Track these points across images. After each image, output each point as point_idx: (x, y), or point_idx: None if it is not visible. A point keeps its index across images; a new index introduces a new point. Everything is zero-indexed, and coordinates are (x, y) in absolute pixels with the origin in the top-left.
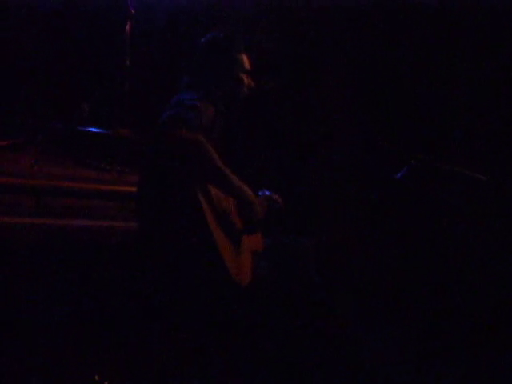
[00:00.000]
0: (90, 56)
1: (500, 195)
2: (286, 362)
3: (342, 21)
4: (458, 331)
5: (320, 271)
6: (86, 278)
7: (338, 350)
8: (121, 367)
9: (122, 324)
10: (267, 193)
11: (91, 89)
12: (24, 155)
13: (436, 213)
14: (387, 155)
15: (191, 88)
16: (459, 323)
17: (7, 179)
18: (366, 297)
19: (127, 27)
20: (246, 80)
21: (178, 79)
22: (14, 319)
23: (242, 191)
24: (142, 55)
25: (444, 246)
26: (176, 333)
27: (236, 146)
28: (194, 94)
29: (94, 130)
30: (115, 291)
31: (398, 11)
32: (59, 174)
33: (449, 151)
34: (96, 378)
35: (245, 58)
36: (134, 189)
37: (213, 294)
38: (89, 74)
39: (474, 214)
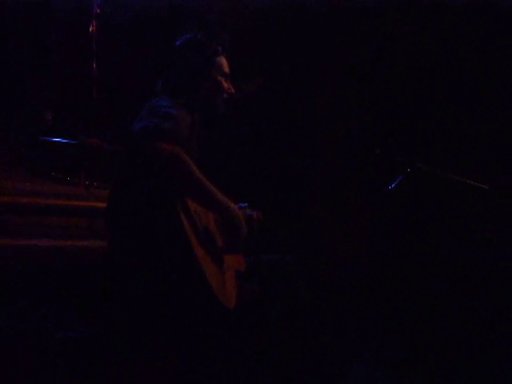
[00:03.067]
0: (54, 59)
1: (501, 204)
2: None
3: (338, 21)
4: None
5: (306, 289)
6: (47, 302)
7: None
8: None
9: (97, 351)
10: (248, 211)
11: (55, 96)
12: None
13: (432, 222)
14: (382, 163)
15: (166, 93)
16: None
17: None
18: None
19: (92, 27)
20: (224, 84)
21: (150, 83)
22: None
23: (226, 206)
24: (109, 58)
25: (441, 257)
26: (160, 358)
27: (215, 157)
28: (168, 100)
29: (58, 140)
30: (82, 316)
31: (395, 11)
32: (20, 188)
33: (447, 158)
34: None
35: (224, 61)
36: (103, 204)
37: (198, 316)
38: (52, 79)
39: (474, 222)
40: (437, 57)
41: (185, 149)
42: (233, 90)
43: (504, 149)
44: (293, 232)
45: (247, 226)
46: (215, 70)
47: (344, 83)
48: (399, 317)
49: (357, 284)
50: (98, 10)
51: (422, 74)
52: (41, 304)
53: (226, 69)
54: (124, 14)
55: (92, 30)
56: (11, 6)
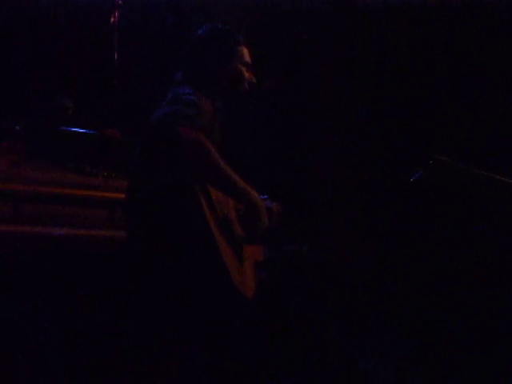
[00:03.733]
0: (75, 50)
1: None
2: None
3: (348, 19)
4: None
5: (321, 282)
6: (67, 291)
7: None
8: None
9: (115, 340)
10: (268, 203)
11: (76, 85)
12: (0, 157)
13: (454, 217)
14: (403, 156)
15: (187, 82)
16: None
17: None
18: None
19: (114, 18)
20: (245, 73)
21: (171, 74)
22: None
23: (248, 194)
24: (131, 49)
25: (461, 252)
26: (177, 347)
27: (235, 147)
28: (190, 88)
29: (78, 130)
30: (103, 305)
31: (397, 8)
32: (39, 178)
33: (468, 152)
34: None
35: (245, 51)
36: (121, 195)
37: (216, 305)
38: (73, 69)
39: (494, 217)
40: (443, 54)
41: (207, 136)
42: (254, 80)
43: None
44: (304, 225)
45: (268, 216)
46: (236, 59)
47: (354, 78)
48: (406, 314)
49: (366, 280)
50: (120, 1)
51: (440, 69)
52: (55, 292)
53: (248, 58)
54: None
55: (113, 20)
56: None
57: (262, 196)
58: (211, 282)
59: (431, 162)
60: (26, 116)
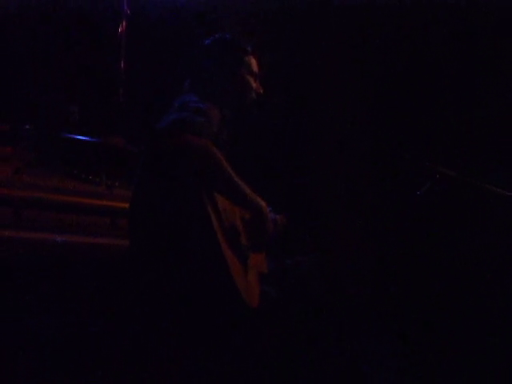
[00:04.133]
0: (82, 57)
1: None
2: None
3: (352, 27)
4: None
5: (326, 293)
6: (68, 297)
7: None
8: None
9: (117, 348)
10: (272, 215)
11: (82, 92)
12: (4, 163)
13: (460, 231)
14: (410, 169)
15: (195, 91)
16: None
17: None
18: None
19: (122, 28)
20: (253, 84)
21: (177, 83)
22: None
23: (256, 203)
24: (137, 58)
25: (462, 265)
26: (181, 356)
27: (241, 156)
28: (198, 97)
29: (82, 137)
30: (104, 312)
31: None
32: (42, 184)
33: (476, 165)
34: None
35: (253, 61)
36: (124, 205)
37: (221, 312)
38: (80, 76)
39: (501, 232)
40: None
41: (215, 144)
42: (261, 90)
43: None
44: (309, 235)
45: (273, 226)
46: (244, 69)
47: (369, 91)
48: (407, 318)
49: (370, 287)
50: (129, 11)
51: (448, 82)
52: (56, 299)
53: (255, 68)
54: (154, 14)
55: (121, 30)
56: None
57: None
58: (216, 290)
59: (438, 175)
60: (32, 121)
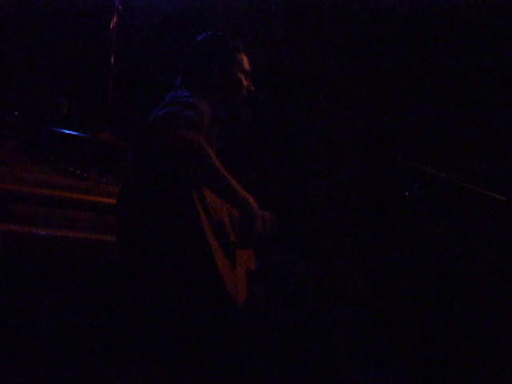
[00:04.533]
0: (72, 51)
1: None
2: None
3: (347, 25)
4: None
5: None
6: (52, 291)
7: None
8: None
9: (104, 342)
10: (260, 212)
11: (71, 86)
12: None
13: (448, 232)
14: (399, 169)
15: (186, 87)
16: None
17: None
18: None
19: (113, 23)
20: (244, 81)
21: (168, 79)
22: None
23: (244, 199)
24: (128, 53)
25: (454, 267)
26: (166, 353)
27: (231, 153)
28: (189, 92)
29: (71, 132)
30: (90, 308)
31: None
32: (30, 178)
33: (466, 167)
34: None
35: (244, 58)
36: (111, 200)
37: (207, 308)
38: (69, 70)
39: (489, 234)
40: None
41: (205, 139)
42: (252, 88)
43: None
44: (297, 236)
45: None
46: (235, 66)
47: (355, 85)
48: (404, 321)
49: (359, 287)
50: (121, 7)
51: (439, 83)
52: (41, 292)
53: (247, 66)
54: (146, 10)
55: (113, 26)
56: None
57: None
58: (203, 284)
59: (427, 177)
60: (20, 112)
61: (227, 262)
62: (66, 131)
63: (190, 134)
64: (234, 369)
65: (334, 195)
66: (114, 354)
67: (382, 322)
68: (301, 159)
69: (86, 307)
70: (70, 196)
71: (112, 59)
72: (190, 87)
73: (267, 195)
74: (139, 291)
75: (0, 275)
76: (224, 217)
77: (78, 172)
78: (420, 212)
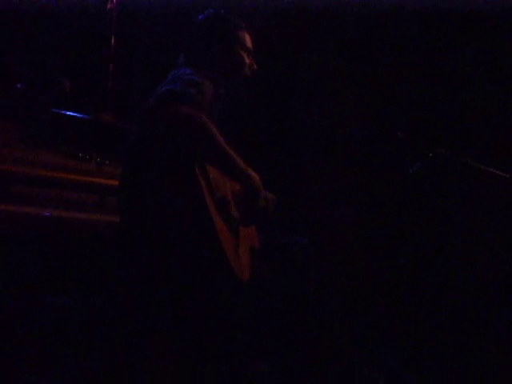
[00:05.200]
0: (72, 29)
1: None
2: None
3: (346, 23)
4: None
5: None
6: (57, 271)
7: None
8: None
9: (107, 325)
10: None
11: (72, 67)
12: None
13: (450, 211)
14: (403, 146)
15: (189, 66)
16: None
17: None
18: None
19: (111, 5)
20: (246, 59)
21: (170, 60)
22: None
23: (247, 174)
24: (127, 34)
25: (457, 248)
26: (170, 332)
27: (233, 132)
28: (192, 70)
29: (73, 113)
30: (95, 288)
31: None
32: (31, 160)
33: (472, 146)
34: None
35: (246, 36)
36: (113, 182)
37: (212, 284)
38: (70, 52)
39: (494, 213)
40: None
41: (207, 116)
42: (255, 66)
43: None
44: (300, 217)
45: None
46: (237, 43)
47: (363, 70)
48: (405, 315)
49: (362, 272)
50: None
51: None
52: (44, 273)
53: (249, 44)
54: None
55: (110, 6)
56: None
57: None
58: (207, 260)
59: (431, 154)
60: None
61: (231, 238)
62: (68, 113)
63: (191, 110)
64: (237, 345)
65: (337, 175)
66: (116, 338)
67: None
68: (302, 140)
69: (88, 289)
70: (72, 178)
71: (112, 40)
72: (192, 65)
73: (268, 178)
74: (143, 270)
75: (2, 256)
76: (227, 193)
77: (80, 154)
78: (423, 190)
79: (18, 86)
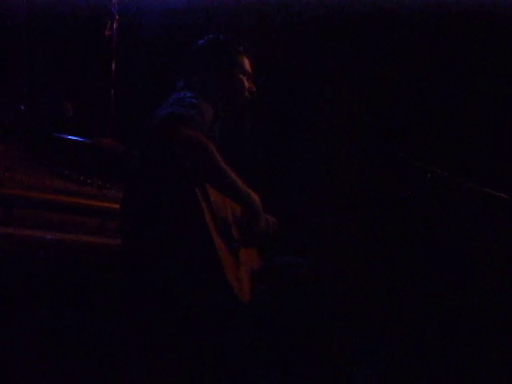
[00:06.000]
0: (74, 56)
1: None
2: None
3: (347, 27)
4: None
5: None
6: (57, 295)
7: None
8: None
9: (106, 348)
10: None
11: (73, 93)
12: None
13: (449, 231)
14: (402, 167)
15: (188, 89)
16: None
17: None
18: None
19: (108, 32)
20: (246, 83)
21: (169, 85)
22: None
23: (248, 196)
24: (129, 59)
25: (452, 265)
26: (170, 352)
27: (234, 154)
28: (192, 93)
29: (75, 138)
30: (96, 311)
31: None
32: (33, 183)
33: (469, 166)
34: None
35: (245, 60)
36: (115, 206)
37: (212, 306)
38: (71, 76)
39: (491, 233)
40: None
41: (208, 138)
42: (254, 89)
43: None
44: (299, 238)
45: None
46: (237, 68)
47: (356, 83)
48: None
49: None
50: (117, 16)
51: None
52: (46, 296)
53: (248, 68)
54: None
55: (109, 33)
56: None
57: None
58: (207, 282)
59: (430, 175)
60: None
61: (232, 259)
62: (69, 137)
63: (192, 132)
64: (237, 366)
65: (336, 194)
66: (117, 357)
67: (381, 323)
68: (301, 159)
69: (89, 311)
70: (74, 201)
71: (113, 65)
72: (192, 89)
73: (268, 198)
74: (144, 292)
75: (3, 278)
76: (228, 215)
77: (82, 177)
78: (421, 210)
79: (21, 107)
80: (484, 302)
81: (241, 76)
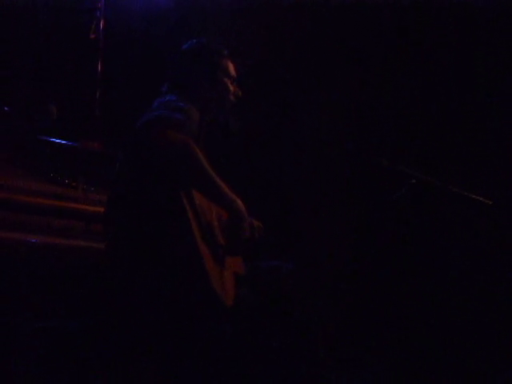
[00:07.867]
0: (59, 59)
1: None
2: None
3: (335, 29)
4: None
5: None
6: (41, 298)
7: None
8: None
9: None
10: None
11: (59, 94)
12: None
13: (434, 236)
14: (386, 173)
15: (173, 93)
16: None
17: None
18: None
19: (93, 35)
20: (231, 86)
21: (155, 87)
22: None
23: (233, 201)
24: (115, 61)
25: (439, 270)
26: (152, 355)
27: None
28: (177, 97)
29: (60, 141)
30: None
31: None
32: (18, 186)
33: (454, 172)
34: None
35: (229, 64)
36: (100, 209)
37: (196, 309)
38: (57, 78)
39: (475, 238)
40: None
41: (194, 142)
42: (239, 93)
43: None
44: (283, 239)
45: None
46: (221, 72)
47: (340, 89)
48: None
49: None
50: (103, 19)
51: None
52: (29, 299)
53: (232, 72)
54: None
55: (93, 36)
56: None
57: None
58: (191, 286)
59: (414, 181)
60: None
61: (216, 264)
62: (54, 140)
63: (178, 135)
64: (222, 370)
65: (322, 202)
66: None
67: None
68: (288, 166)
69: (74, 314)
70: (59, 204)
71: (99, 67)
72: (177, 93)
73: (255, 203)
74: (128, 296)
75: None
76: (213, 219)
77: (66, 181)
78: (407, 216)
79: (6, 108)
80: (465, 303)
81: (225, 80)
